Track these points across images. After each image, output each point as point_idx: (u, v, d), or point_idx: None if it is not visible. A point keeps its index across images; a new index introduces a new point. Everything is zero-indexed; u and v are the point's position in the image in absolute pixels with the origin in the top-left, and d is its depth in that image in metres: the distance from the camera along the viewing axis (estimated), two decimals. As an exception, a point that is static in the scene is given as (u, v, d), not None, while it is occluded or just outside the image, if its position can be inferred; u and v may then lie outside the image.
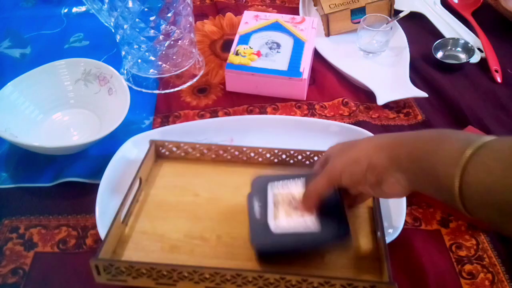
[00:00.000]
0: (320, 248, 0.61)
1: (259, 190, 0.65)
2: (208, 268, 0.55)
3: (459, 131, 0.50)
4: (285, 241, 0.58)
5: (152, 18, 0.84)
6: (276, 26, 0.97)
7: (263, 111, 0.88)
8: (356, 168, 0.55)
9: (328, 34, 1.02)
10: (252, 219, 0.61)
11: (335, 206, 0.61)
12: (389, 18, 0.98)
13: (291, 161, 0.75)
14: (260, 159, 0.75)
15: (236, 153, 0.75)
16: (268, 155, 0.75)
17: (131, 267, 0.56)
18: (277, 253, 0.59)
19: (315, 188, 0.59)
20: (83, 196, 0.74)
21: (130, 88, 0.83)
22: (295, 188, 0.64)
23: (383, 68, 0.96)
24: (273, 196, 0.63)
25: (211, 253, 0.63)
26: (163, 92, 0.92)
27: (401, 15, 0.97)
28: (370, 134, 0.78)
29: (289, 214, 0.60)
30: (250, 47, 0.92)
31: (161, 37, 0.86)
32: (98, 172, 0.74)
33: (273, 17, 0.99)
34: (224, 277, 0.56)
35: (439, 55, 0.97)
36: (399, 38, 1.00)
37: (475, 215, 0.46)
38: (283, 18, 0.98)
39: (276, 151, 0.74)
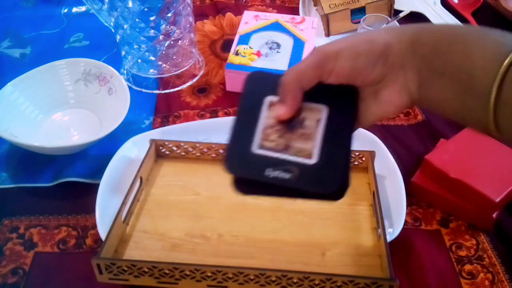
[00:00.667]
0: (307, 189, 0.44)
1: (252, 98, 0.49)
2: (210, 266, 0.55)
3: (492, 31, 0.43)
4: (265, 167, 0.44)
5: (152, 18, 0.84)
6: (276, 26, 0.97)
7: (263, 111, 0.88)
8: (366, 47, 0.45)
9: (328, 34, 1.02)
10: (232, 132, 0.47)
11: (343, 139, 0.47)
12: (389, 18, 0.98)
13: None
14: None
15: (237, 152, 0.75)
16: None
17: (133, 266, 0.56)
18: (253, 181, 0.45)
19: (297, 67, 0.46)
20: (83, 196, 0.73)
21: (130, 88, 0.83)
22: (309, 116, 0.48)
23: (383, 68, 0.95)
24: (270, 116, 0.48)
25: (212, 251, 0.63)
26: (163, 92, 0.92)
27: (401, 15, 0.97)
28: (370, 134, 0.78)
29: (283, 135, 0.47)
30: (250, 47, 0.92)
31: (161, 37, 0.86)
32: (98, 172, 0.73)
33: (273, 17, 0.99)
34: (225, 275, 0.56)
35: (439, 55, 0.97)
36: (399, 38, 1.00)
37: (506, 134, 0.41)
38: (283, 18, 0.98)
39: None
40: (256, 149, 0.45)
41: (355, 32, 0.47)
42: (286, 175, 0.44)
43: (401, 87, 0.46)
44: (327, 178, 0.44)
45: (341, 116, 0.48)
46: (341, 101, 0.48)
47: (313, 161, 0.45)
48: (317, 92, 0.47)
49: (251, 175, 0.45)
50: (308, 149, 0.46)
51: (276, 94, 0.48)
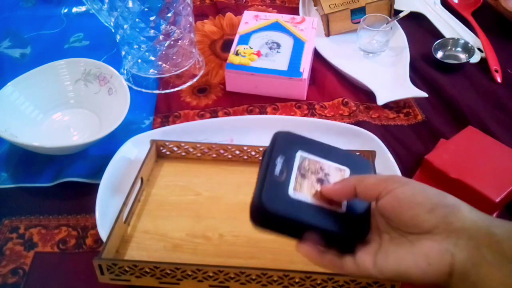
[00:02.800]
0: (337, 232, 0.48)
1: (284, 152, 0.52)
2: (212, 266, 0.55)
3: None
4: (302, 208, 0.48)
5: (152, 18, 0.84)
6: (276, 26, 0.97)
7: (263, 111, 0.88)
8: (435, 193, 0.44)
9: (328, 34, 1.02)
10: (265, 175, 0.50)
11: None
12: (389, 18, 0.98)
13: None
14: (260, 157, 0.75)
15: (237, 152, 0.75)
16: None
17: (135, 266, 0.56)
18: (287, 220, 0.48)
19: (367, 176, 0.48)
20: (83, 196, 0.73)
21: (130, 88, 0.83)
22: (334, 174, 0.52)
23: (383, 68, 0.96)
24: (302, 166, 0.52)
25: (213, 251, 0.63)
26: (163, 92, 0.92)
27: (401, 15, 0.97)
28: (370, 134, 0.78)
29: (315, 191, 0.50)
30: (250, 47, 0.92)
31: (161, 37, 0.86)
32: (98, 172, 0.73)
33: (273, 17, 0.99)
34: (227, 275, 0.56)
35: (439, 55, 0.98)
36: (399, 38, 1.00)
37: None
38: (283, 18, 0.98)
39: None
40: (292, 193, 0.49)
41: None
42: (320, 220, 0.48)
43: (446, 250, 0.42)
44: (356, 226, 0.49)
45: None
46: (360, 167, 0.54)
47: (342, 210, 0.49)
48: (341, 157, 0.54)
49: (289, 214, 0.47)
50: (336, 202, 0.50)
51: (305, 151, 0.53)
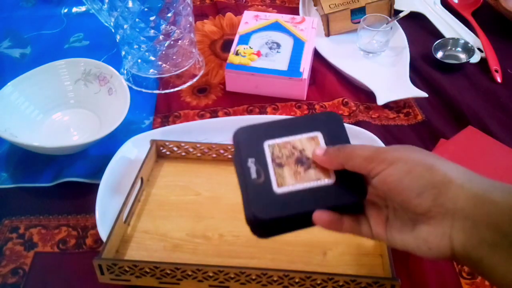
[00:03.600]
0: (334, 206, 0.48)
1: (251, 151, 0.51)
2: (212, 266, 0.55)
3: None
4: (294, 200, 0.47)
5: (152, 18, 0.83)
6: (276, 26, 0.97)
7: (263, 111, 0.88)
8: (421, 170, 0.41)
9: (328, 34, 1.02)
10: (246, 184, 0.49)
11: None
12: (389, 18, 0.98)
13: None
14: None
15: (237, 152, 0.75)
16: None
17: (135, 266, 0.56)
18: (286, 219, 0.48)
19: (353, 150, 0.46)
20: (83, 196, 0.73)
21: (130, 88, 0.83)
22: (308, 146, 0.50)
23: (383, 68, 0.96)
24: (274, 156, 0.50)
25: (213, 251, 0.63)
26: (163, 92, 0.92)
27: (401, 15, 0.97)
28: (370, 134, 0.78)
29: (298, 173, 0.49)
30: (250, 47, 0.92)
31: (161, 37, 0.86)
32: (98, 172, 0.73)
33: (273, 17, 0.99)
34: (227, 275, 0.56)
35: (439, 55, 0.98)
36: (399, 38, 1.00)
37: None
38: (283, 18, 0.98)
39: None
40: (277, 189, 0.48)
41: (424, 151, 0.45)
42: (313, 202, 0.47)
43: (443, 234, 0.41)
44: (349, 192, 0.47)
45: (336, 137, 0.51)
46: (329, 123, 0.52)
47: (332, 180, 0.48)
48: (306, 124, 0.52)
49: (284, 213, 0.47)
50: (323, 173, 0.49)
51: (270, 137, 0.51)
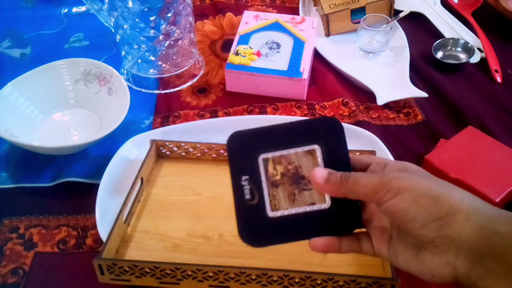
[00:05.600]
0: (329, 230, 0.48)
1: (245, 166, 0.49)
2: (212, 266, 0.55)
3: None
4: (286, 226, 0.47)
5: (152, 18, 0.83)
6: (276, 26, 0.97)
7: (263, 111, 0.88)
8: (427, 202, 0.41)
9: (328, 34, 1.02)
10: (239, 204, 0.48)
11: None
12: (389, 18, 0.98)
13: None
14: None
15: (237, 152, 0.75)
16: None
17: (135, 266, 0.56)
18: (276, 243, 0.48)
19: (357, 180, 0.45)
20: (83, 196, 0.73)
21: (130, 88, 0.83)
22: (304, 162, 0.49)
23: (383, 68, 0.96)
24: (268, 173, 0.48)
25: (213, 251, 0.63)
26: (163, 92, 0.92)
27: (401, 15, 0.97)
28: (370, 134, 0.78)
29: (292, 194, 0.48)
30: (250, 47, 0.92)
31: (161, 37, 0.86)
32: (98, 172, 0.73)
33: (273, 17, 0.99)
34: (227, 275, 0.56)
35: (439, 55, 0.98)
36: (399, 38, 1.00)
37: None
38: (283, 18, 0.98)
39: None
40: (270, 213, 0.47)
41: (431, 178, 0.45)
42: (307, 230, 0.47)
43: (447, 262, 0.41)
44: (345, 217, 0.47)
45: (335, 150, 0.49)
46: (327, 135, 0.49)
47: (327, 205, 0.48)
48: (304, 134, 0.49)
49: (275, 242, 0.47)
50: (318, 196, 0.48)
51: (265, 149, 0.48)
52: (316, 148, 0.48)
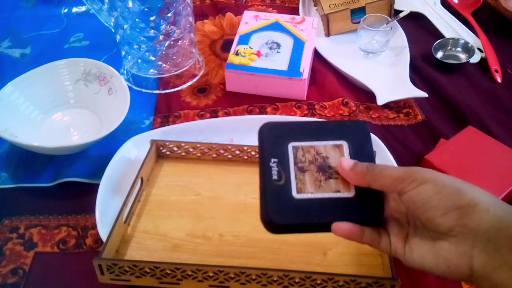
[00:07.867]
0: (352, 217, 0.48)
1: (275, 150, 0.51)
2: (212, 266, 0.55)
3: None
4: (311, 209, 0.48)
5: (152, 18, 0.83)
6: (276, 26, 0.97)
7: (263, 111, 0.88)
8: (450, 191, 0.42)
9: (328, 34, 1.02)
10: (265, 184, 0.49)
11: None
12: (389, 18, 0.98)
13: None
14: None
15: (237, 152, 0.75)
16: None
17: (135, 266, 0.56)
18: (299, 225, 0.48)
19: (382, 170, 0.46)
20: (83, 196, 0.73)
21: (130, 88, 0.83)
22: (332, 154, 0.51)
23: (383, 68, 0.96)
24: (297, 159, 0.50)
25: (213, 251, 0.63)
26: (163, 92, 0.92)
27: (401, 15, 0.97)
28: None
29: (318, 181, 0.49)
30: (250, 47, 0.92)
31: (161, 37, 0.86)
32: (98, 172, 0.73)
33: (273, 17, 0.99)
34: (227, 275, 0.56)
35: (439, 55, 0.98)
36: (399, 38, 1.00)
37: None
38: (283, 18, 0.98)
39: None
40: (296, 195, 0.48)
41: (451, 176, 0.45)
42: (331, 213, 0.47)
43: (464, 253, 0.41)
44: (368, 208, 0.48)
45: (361, 148, 0.51)
46: (356, 134, 0.52)
47: (351, 194, 0.49)
48: (333, 131, 0.52)
49: (300, 221, 0.47)
50: (344, 185, 0.49)
51: (296, 139, 0.51)
52: (344, 143, 0.51)
